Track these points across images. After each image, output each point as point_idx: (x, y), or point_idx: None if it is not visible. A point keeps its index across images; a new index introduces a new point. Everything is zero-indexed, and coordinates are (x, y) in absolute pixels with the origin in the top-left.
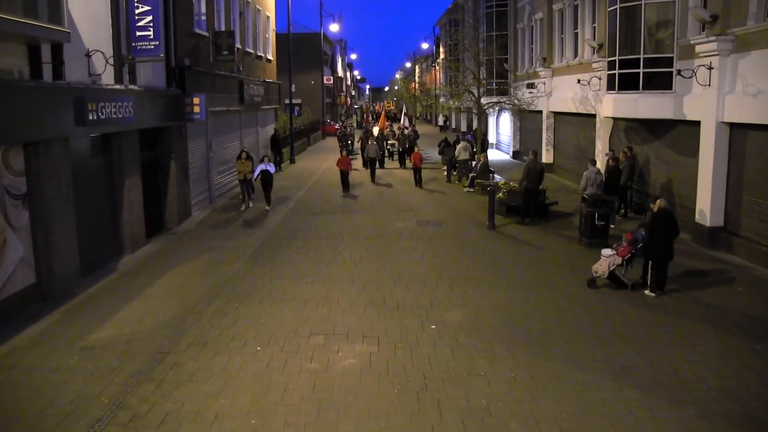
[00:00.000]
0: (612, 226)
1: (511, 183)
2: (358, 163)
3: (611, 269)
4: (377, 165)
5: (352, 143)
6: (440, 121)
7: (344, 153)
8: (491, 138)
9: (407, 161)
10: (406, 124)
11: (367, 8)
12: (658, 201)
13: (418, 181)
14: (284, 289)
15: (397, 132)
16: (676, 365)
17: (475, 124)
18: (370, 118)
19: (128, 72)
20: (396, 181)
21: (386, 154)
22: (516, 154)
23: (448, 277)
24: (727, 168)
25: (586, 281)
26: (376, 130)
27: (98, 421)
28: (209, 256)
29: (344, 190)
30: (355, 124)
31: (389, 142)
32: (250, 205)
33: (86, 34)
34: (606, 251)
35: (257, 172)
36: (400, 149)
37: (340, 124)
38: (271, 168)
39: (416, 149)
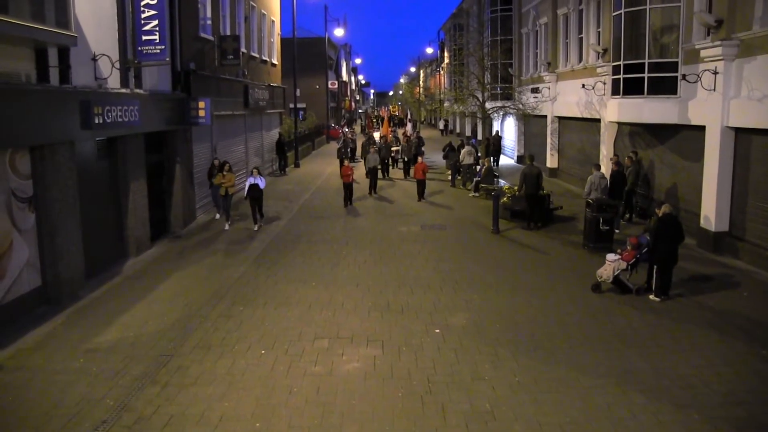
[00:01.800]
0: (617, 231)
1: (515, 188)
2: (359, 171)
3: (616, 274)
4: (380, 175)
5: (354, 151)
6: (441, 125)
7: (347, 162)
8: None
9: (412, 171)
10: (410, 129)
11: (371, 13)
12: (663, 206)
13: (421, 194)
14: (288, 293)
15: (402, 138)
16: (680, 370)
17: (479, 129)
18: (373, 124)
19: (134, 76)
20: (399, 193)
21: (390, 162)
22: (520, 159)
23: (452, 281)
24: (732, 173)
25: (591, 286)
26: (377, 136)
27: (103, 423)
28: (213, 259)
29: (346, 203)
30: (359, 129)
31: (393, 149)
32: (226, 227)
33: (93, 38)
34: (611, 256)
35: (246, 186)
36: (405, 158)
37: (340, 128)
38: (261, 182)
39: (420, 159)
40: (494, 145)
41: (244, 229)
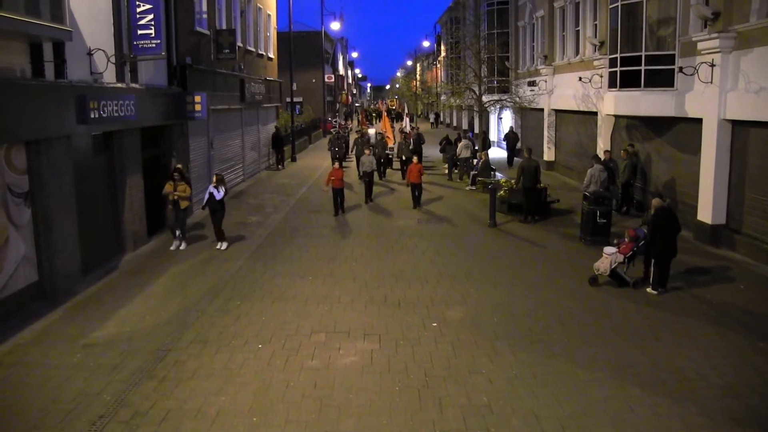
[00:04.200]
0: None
1: (512, 181)
2: (352, 173)
3: (613, 267)
4: (376, 178)
5: (347, 148)
6: (431, 118)
7: (336, 164)
8: (492, 136)
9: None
10: (408, 124)
11: (368, 6)
12: (653, 201)
13: (417, 201)
14: (285, 287)
15: (398, 135)
16: (677, 362)
17: (476, 123)
18: (366, 119)
19: (130, 70)
20: (396, 197)
21: (384, 162)
22: (517, 152)
23: (450, 274)
24: (729, 165)
25: (588, 279)
26: (372, 132)
27: (100, 419)
28: (210, 253)
29: (336, 213)
30: (355, 123)
31: (389, 146)
32: (181, 246)
33: (88, 32)
34: (608, 249)
35: (206, 197)
36: (403, 157)
37: (334, 121)
38: (218, 193)
39: (414, 160)
40: (511, 142)
41: (240, 222)
